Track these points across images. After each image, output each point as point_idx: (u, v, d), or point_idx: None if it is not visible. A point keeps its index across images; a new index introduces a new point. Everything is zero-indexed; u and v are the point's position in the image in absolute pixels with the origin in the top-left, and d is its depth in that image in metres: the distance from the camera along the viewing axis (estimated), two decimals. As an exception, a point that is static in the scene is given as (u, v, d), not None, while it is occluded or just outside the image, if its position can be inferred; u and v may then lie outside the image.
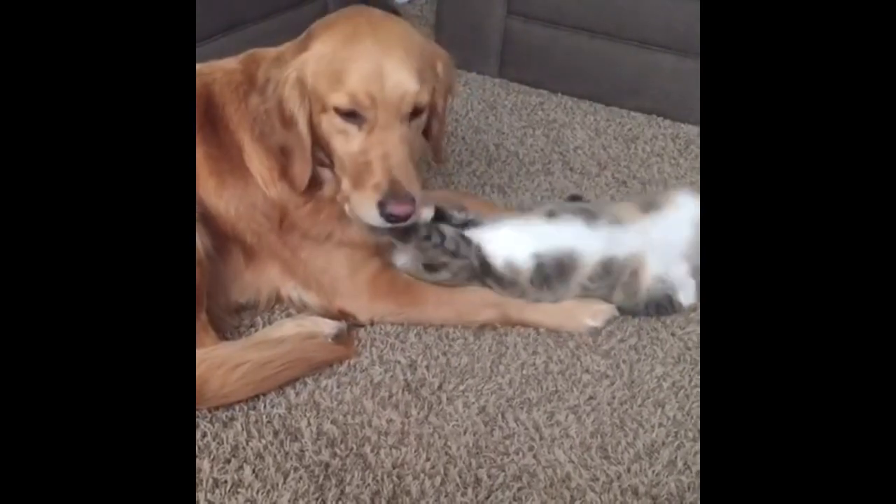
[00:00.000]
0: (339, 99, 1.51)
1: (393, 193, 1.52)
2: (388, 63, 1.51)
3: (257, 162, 1.66)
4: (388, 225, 1.56)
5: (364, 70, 1.50)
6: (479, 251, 1.71)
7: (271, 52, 1.70)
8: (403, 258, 1.70)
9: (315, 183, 1.66)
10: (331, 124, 1.56)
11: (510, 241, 1.72)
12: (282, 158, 1.64)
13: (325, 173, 1.67)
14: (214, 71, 1.70)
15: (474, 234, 1.73)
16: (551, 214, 1.75)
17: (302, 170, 1.61)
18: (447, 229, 1.70)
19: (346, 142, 1.56)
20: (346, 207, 1.63)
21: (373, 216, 1.55)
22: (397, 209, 1.53)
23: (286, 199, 1.67)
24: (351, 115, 1.53)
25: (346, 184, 1.60)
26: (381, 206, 1.53)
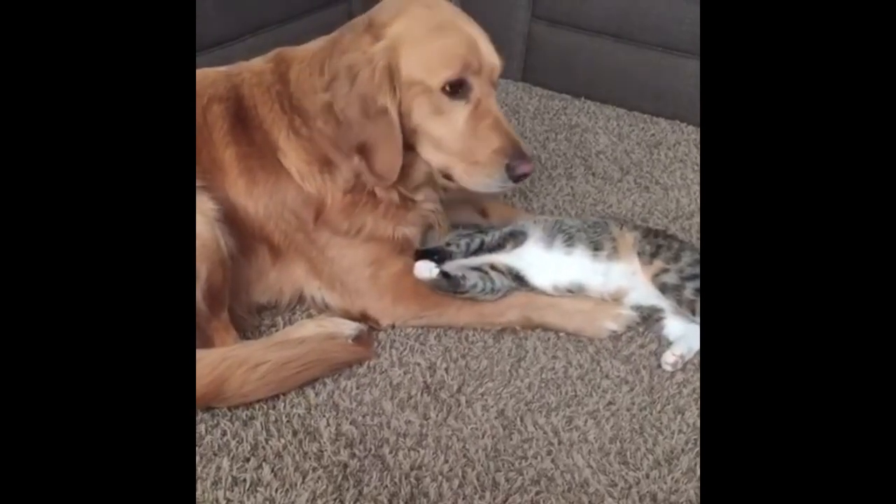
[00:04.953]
0: (449, 73, 1.56)
1: (519, 154, 1.60)
2: (478, 36, 1.61)
3: (294, 157, 1.66)
4: (512, 185, 1.65)
5: (463, 43, 1.58)
6: (514, 273, 1.78)
7: (299, 50, 1.72)
8: (426, 274, 1.71)
9: (359, 175, 1.67)
10: (431, 107, 1.59)
11: (531, 271, 1.78)
12: (356, 156, 1.63)
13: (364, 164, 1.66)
14: (242, 72, 1.72)
15: (501, 261, 1.79)
16: (568, 242, 1.78)
17: (393, 159, 1.61)
18: (490, 271, 1.76)
19: (449, 121, 1.60)
20: (452, 184, 1.70)
21: (496, 182, 1.62)
22: (527, 167, 1.61)
23: (325, 192, 1.68)
24: (457, 91, 1.57)
25: (450, 162, 1.64)
26: (510, 168, 1.59)
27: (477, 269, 1.75)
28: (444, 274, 1.70)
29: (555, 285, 1.76)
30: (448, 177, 1.68)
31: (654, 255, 1.75)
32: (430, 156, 1.65)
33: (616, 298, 1.77)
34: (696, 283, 1.68)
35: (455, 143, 1.61)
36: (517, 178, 1.62)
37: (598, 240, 1.77)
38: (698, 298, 1.66)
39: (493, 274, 1.74)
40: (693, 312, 1.67)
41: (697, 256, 1.75)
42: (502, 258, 1.77)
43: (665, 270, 1.72)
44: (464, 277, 1.71)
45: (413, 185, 1.73)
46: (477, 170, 1.62)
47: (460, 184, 1.67)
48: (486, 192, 1.72)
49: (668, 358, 1.67)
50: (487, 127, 1.60)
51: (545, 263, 1.76)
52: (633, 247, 1.77)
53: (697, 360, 1.69)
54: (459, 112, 1.59)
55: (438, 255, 1.75)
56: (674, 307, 1.71)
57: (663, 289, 1.71)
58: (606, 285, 1.76)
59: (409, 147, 1.63)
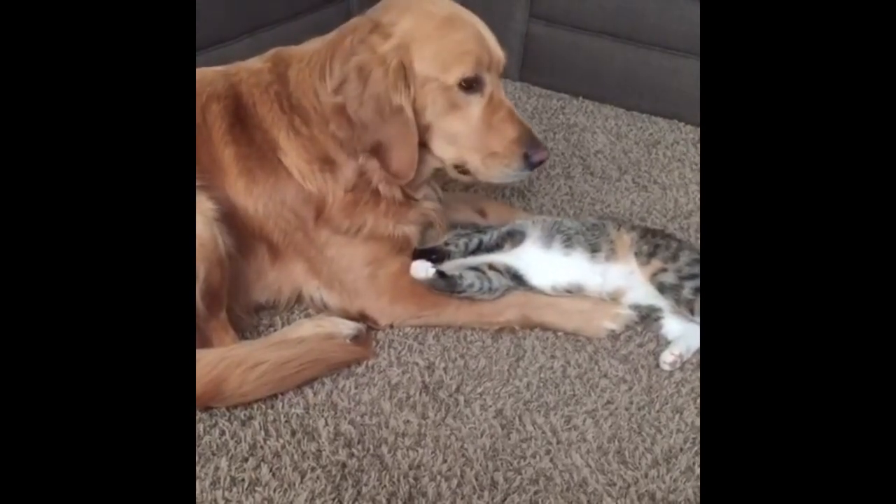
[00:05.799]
0: (465, 69, 1.58)
1: (534, 142, 1.66)
2: (483, 31, 1.64)
3: (295, 156, 1.67)
4: (528, 173, 1.70)
5: (473, 38, 1.60)
6: (513, 273, 1.77)
7: (296, 50, 1.72)
8: (422, 273, 1.71)
9: (363, 174, 1.68)
10: (446, 103, 1.60)
11: (536, 271, 1.78)
12: (363, 155, 1.65)
13: (372, 163, 1.66)
14: (240, 71, 1.72)
15: (500, 260, 1.78)
16: (567, 243, 1.77)
17: (410, 157, 1.62)
18: (487, 271, 1.76)
19: (465, 115, 1.62)
20: (465, 178, 1.73)
21: (514, 172, 1.66)
22: (543, 154, 1.66)
23: (326, 191, 1.68)
24: (472, 86, 1.60)
25: (466, 156, 1.66)
26: (527, 157, 1.65)
27: (474, 268, 1.75)
28: (441, 274, 1.70)
29: (553, 285, 1.76)
30: (464, 171, 1.70)
31: (651, 255, 1.75)
32: (444, 151, 1.67)
33: (615, 298, 1.77)
34: (695, 283, 1.68)
35: (471, 136, 1.63)
36: (534, 166, 1.66)
37: (595, 242, 1.77)
38: (697, 298, 1.66)
39: (490, 273, 1.74)
40: (691, 312, 1.68)
41: (696, 256, 1.75)
42: (501, 258, 1.77)
43: (663, 270, 1.72)
44: (461, 277, 1.71)
45: (417, 182, 1.74)
46: (495, 161, 1.65)
47: (477, 176, 1.69)
48: (503, 183, 1.78)
49: (667, 357, 1.67)
50: (502, 118, 1.64)
51: (544, 264, 1.76)
52: (630, 247, 1.77)
53: (695, 360, 1.69)
54: (475, 106, 1.62)
55: (437, 255, 1.75)
56: (672, 306, 1.71)
57: (661, 288, 1.71)
58: (605, 285, 1.76)
59: (420, 144, 1.64)
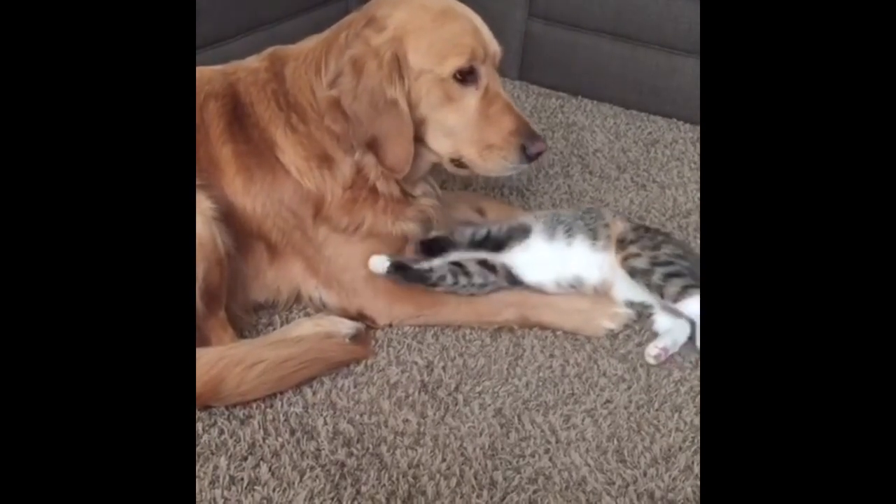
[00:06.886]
0: (460, 61, 1.58)
1: (532, 134, 1.65)
2: (478, 23, 1.64)
3: (292, 153, 1.67)
4: (526, 166, 1.71)
5: (468, 30, 1.60)
6: (507, 272, 1.76)
7: (293, 49, 1.72)
8: (379, 268, 1.71)
9: (360, 170, 1.68)
10: (441, 95, 1.60)
11: (535, 268, 1.77)
12: (360, 151, 1.65)
13: (368, 159, 1.67)
14: (238, 70, 1.73)
15: (498, 259, 1.77)
16: (568, 232, 1.76)
17: (405, 150, 1.62)
18: (470, 265, 1.74)
19: (460, 107, 1.62)
20: (462, 171, 1.73)
21: (512, 164, 1.66)
22: (541, 146, 1.66)
23: (324, 189, 1.68)
24: (467, 78, 1.60)
25: (463, 149, 1.66)
26: (524, 148, 1.64)
27: (454, 262, 1.74)
28: (399, 266, 1.69)
29: (557, 280, 1.75)
30: (460, 165, 1.70)
31: (631, 243, 1.74)
32: (440, 144, 1.67)
33: (604, 290, 1.76)
34: (667, 269, 1.67)
35: (467, 128, 1.63)
36: (532, 158, 1.66)
37: (594, 227, 1.76)
38: (667, 283, 1.65)
39: (472, 268, 1.73)
40: (662, 296, 1.67)
41: (679, 251, 1.74)
42: (500, 257, 1.76)
43: (636, 255, 1.71)
44: (430, 270, 1.70)
45: (415, 178, 1.74)
46: (492, 153, 1.65)
47: (474, 170, 1.69)
48: (500, 176, 1.79)
49: (651, 350, 1.67)
50: (498, 111, 1.63)
51: (548, 257, 1.75)
52: (619, 235, 1.77)
53: (694, 358, 1.69)
54: (470, 98, 1.62)
55: (442, 244, 1.74)
56: (647, 292, 1.70)
57: (632, 273, 1.70)
58: (601, 277, 1.75)
59: (416, 138, 1.64)
